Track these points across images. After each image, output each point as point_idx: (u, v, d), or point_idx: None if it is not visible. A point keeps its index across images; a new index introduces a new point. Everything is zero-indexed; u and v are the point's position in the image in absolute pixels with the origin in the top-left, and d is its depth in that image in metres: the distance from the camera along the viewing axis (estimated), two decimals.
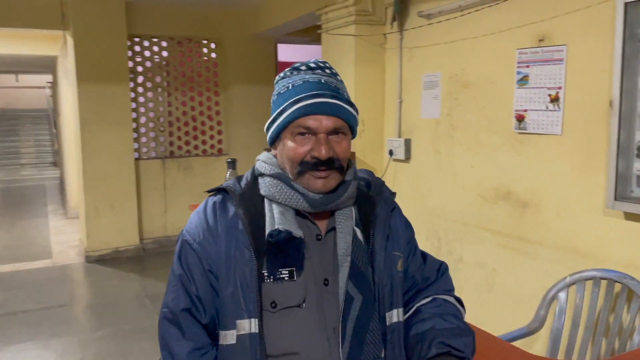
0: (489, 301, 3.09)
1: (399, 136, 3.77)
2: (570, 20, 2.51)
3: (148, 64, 5.88)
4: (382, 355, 1.16)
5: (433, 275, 1.30)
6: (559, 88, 2.58)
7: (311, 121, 1.09)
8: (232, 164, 2.82)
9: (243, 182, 1.21)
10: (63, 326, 3.94)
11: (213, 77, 6.24)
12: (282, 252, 1.11)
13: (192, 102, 6.14)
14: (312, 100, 1.09)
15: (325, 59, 4.22)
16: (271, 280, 1.11)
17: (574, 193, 2.55)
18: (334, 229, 1.17)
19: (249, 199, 1.17)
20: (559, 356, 2.21)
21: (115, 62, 5.46)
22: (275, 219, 1.11)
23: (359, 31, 3.80)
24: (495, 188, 3.00)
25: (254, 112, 6.21)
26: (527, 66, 2.73)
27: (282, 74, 1.18)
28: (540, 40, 2.67)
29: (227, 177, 2.88)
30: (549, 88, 2.63)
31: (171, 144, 6.07)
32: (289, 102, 1.11)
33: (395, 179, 3.84)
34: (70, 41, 5.50)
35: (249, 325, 1.09)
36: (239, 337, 1.10)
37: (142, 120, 5.90)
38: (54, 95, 10.61)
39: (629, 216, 2.29)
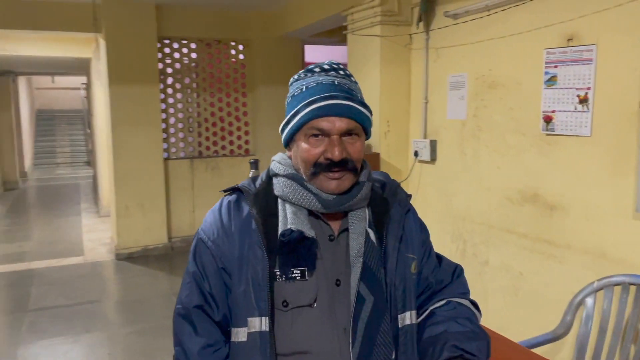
0: (515, 305, 3.04)
1: (425, 137, 3.74)
2: (599, 19, 2.45)
3: (177, 65, 5.98)
4: (393, 357, 1.16)
5: (448, 278, 1.29)
6: (588, 89, 2.52)
7: (324, 123, 1.10)
8: (255, 164, 2.85)
9: (258, 182, 1.23)
10: (93, 322, 4.05)
11: (241, 79, 6.31)
12: (294, 251, 1.12)
13: (220, 103, 6.22)
14: (325, 102, 1.10)
15: (350, 60, 4.21)
16: (283, 279, 1.12)
17: (603, 196, 2.48)
18: (346, 229, 1.17)
19: (263, 199, 1.18)
20: None
21: (145, 64, 5.58)
22: (288, 218, 1.12)
23: (384, 32, 3.78)
24: (522, 190, 2.95)
25: (280, 113, 6.14)
26: (555, 66, 2.68)
27: (296, 76, 1.19)
28: (568, 40, 2.61)
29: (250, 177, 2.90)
30: (577, 89, 2.57)
31: (199, 144, 6.16)
32: (303, 104, 1.12)
33: (420, 180, 3.81)
34: (102, 44, 5.65)
35: (259, 323, 1.10)
36: (250, 334, 1.11)
37: (172, 120, 6.01)
38: (88, 97, 10.88)
39: None
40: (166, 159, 5.92)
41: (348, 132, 1.12)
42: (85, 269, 5.41)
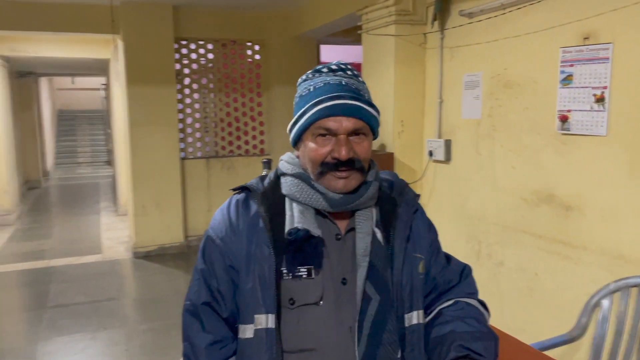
0: (530, 306, 3.01)
1: (439, 137, 3.72)
2: (617, 17, 2.41)
3: (194, 66, 6.03)
4: (399, 356, 1.16)
5: (456, 278, 1.29)
6: (605, 88, 2.48)
7: (331, 122, 1.11)
8: (267, 164, 2.87)
9: (266, 181, 1.24)
10: (110, 319, 4.11)
11: (256, 79, 6.34)
12: (301, 250, 1.13)
13: (235, 103, 6.26)
14: (332, 102, 1.11)
15: (365, 60, 4.21)
16: (290, 277, 1.13)
17: (620, 196, 2.45)
18: (353, 229, 1.17)
19: (271, 198, 1.19)
20: None
21: (162, 65, 5.64)
22: (295, 217, 1.13)
23: (399, 31, 3.77)
24: (537, 190, 2.92)
25: None
26: (571, 65, 2.65)
27: (304, 76, 1.20)
28: (585, 39, 2.58)
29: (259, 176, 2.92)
30: (594, 88, 2.54)
31: (215, 144, 6.21)
32: (310, 104, 1.13)
33: (434, 180, 3.80)
34: (120, 45, 5.72)
35: (266, 321, 1.12)
36: (256, 331, 1.12)
37: (188, 121, 6.07)
38: (108, 97, 11.03)
39: None
40: (183, 159, 5.98)
41: (355, 132, 1.12)
42: (104, 267, 5.50)
